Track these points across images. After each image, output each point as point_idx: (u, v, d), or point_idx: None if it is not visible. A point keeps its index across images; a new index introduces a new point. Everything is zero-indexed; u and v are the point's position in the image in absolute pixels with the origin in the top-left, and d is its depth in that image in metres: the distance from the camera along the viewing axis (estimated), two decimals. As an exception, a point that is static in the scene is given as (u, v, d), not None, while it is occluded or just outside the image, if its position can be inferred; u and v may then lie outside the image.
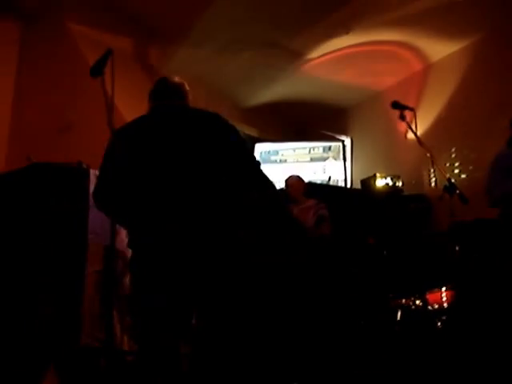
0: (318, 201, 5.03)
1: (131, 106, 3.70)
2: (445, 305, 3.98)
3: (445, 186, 3.97)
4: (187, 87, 2.89)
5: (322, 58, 6.47)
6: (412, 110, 4.10)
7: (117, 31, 5.43)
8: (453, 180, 4.03)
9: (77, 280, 3.51)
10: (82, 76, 4.77)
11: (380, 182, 5.94)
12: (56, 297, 3.41)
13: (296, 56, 6.38)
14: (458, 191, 3.85)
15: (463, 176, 5.93)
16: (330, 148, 7.29)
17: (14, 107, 5.09)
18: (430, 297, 4.07)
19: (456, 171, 5.98)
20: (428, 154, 4.17)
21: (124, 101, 3.87)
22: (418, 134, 4.21)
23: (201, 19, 5.46)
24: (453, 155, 6.07)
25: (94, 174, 3.49)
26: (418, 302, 4.10)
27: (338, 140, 7.31)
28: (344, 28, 5.76)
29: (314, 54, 6.36)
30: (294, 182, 5.17)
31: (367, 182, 6.08)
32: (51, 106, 5.04)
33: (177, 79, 2.90)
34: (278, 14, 5.49)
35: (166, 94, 2.81)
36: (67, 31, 5.17)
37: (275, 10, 5.40)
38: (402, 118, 3.96)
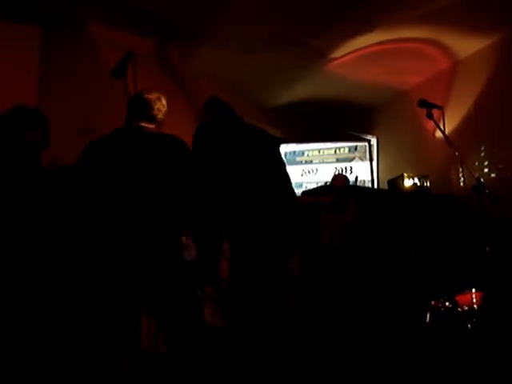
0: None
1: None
2: (475, 306, 3.90)
3: (474, 186, 3.90)
4: (163, 103, 3.10)
5: (347, 57, 6.39)
6: (440, 108, 4.03)
7: (139, 32, 5.43)
8: (482, 179, 3.96)
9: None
10: (104, 78, 4.80)
11: (408, 182, 5.86)
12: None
13: (320, 55, 6.32)
14: (487, 191, 3.78)
15: (492, 175, 5.81)
16: (356, 148, 7.24)
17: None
18: (459, 298, 4.00)
19: (485, 170, 5.87)
20: (456, 153, 4.09)
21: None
22: (446, 132, 4.15)
23: (223, 19, 5.44)
24: (482, 154, 5.96)
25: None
26: (447, 303, 4.03)
27: (364, 140, 7.23)
28: (368, 26, 5.68)
29: (338, 52, 6.28)
30: (340, 180, 5.28)
31: (394, 183, 6.00)
32: (74, 108, 5.06)
33: (153, 96, 3.07)
34: (301, 13, 5.43)
35: (137, 115, 3.03)
36: (88, 33, 5.20)
37: (298, 8, 5.34)
38: (430, 116, 3.89)
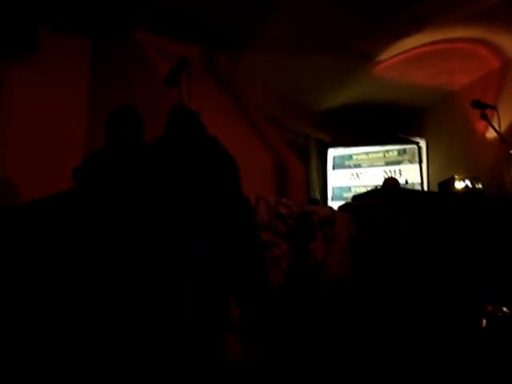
0: None
1: (201, 113, 3.72)
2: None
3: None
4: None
5: (394, 59, 6.33)
6: (494, 107, 3.95)
7: (185, 40, 5.47)
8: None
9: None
10: (153, 86, 4.87)
11: (459, 185, 5.75)
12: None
13: (367, 58, 6.27)
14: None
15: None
16: (404, 151, 7.16)
17: (89, 120, 5.22)
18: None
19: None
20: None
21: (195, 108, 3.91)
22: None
23: (269, 24, 5.45)
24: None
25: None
26: (504, 308, 3.94)
27: (413, 142, 7.16)
28: (416, 27, 5.62)
29: (385, 55, 6.23)
30: (392, 182, 5.19)
31: (445, 185, 5.90)
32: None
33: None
34: (346, 16, 5.40)
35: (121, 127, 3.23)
36: (136, 42, 5.24)
37: (344, 11, 5.32)
38: (484, 117, 3.82)
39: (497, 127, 3.99)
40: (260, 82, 6.29)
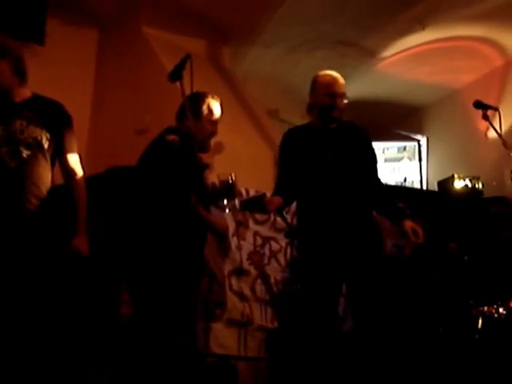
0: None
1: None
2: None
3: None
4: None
5: (397, 56, 6.32)
6: (496, 109, 3.91)
7: (190, 34, 5.48)
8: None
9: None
10: (157, 79, 4.85)
11: (458, 184, 5.71)
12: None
13: (369, 54, 6.26)
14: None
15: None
16: (404, 148, 7.14)
17: (93, 110, 5.22)
18: (514, 304, 3.91)
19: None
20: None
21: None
22: (500, 132, 4.04)
23: (273, 19, 5.43)
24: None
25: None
26: (501, 309, 3.94)
27: (414, 140, 7.13)
28: (420, 24, 5.60)
29: (389, 52, 6.22)
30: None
31: (444, 184, 5.87)
32: (128, 108, 5.12)
33: None
34: (350, 12, 5.40)
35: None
36: (142, 35, 5.25)
37: (348, 8, 5.32)
38: (486, 117, 3.79)
39: (498, 128, 3.96)
40: (262, 76, 6.27)
